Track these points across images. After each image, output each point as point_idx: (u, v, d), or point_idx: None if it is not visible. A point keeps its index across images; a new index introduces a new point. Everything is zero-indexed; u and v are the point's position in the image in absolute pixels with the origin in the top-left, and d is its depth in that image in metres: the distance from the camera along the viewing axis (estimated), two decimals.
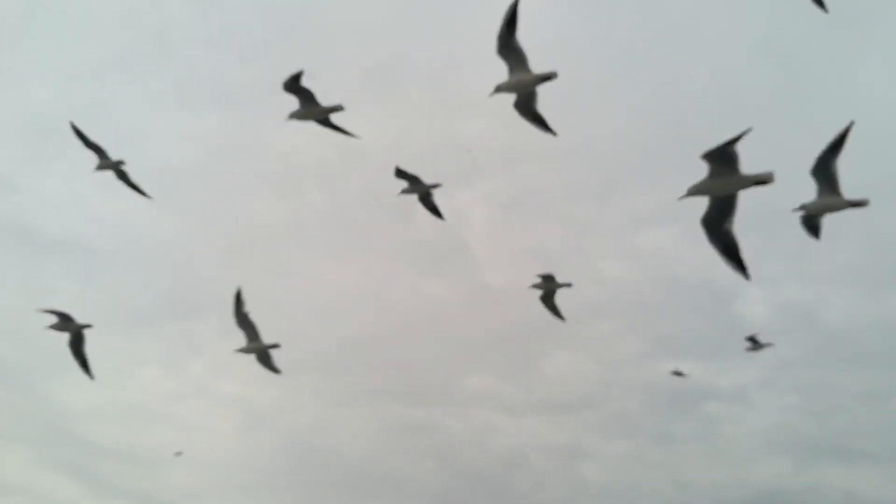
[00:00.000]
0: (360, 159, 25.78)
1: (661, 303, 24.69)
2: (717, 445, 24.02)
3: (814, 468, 23.45)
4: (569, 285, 13.34)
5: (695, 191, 7.94)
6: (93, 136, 12.57)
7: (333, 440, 25.59)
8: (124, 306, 25.65)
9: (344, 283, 26.39)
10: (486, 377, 26.48)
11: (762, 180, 8.08)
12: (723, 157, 7.86)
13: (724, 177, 7.83)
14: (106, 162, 12.88)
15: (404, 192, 12.79)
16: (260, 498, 23.75)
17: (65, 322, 13.00)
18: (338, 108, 11.34)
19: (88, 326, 13.25)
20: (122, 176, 13.18)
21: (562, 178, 26.87)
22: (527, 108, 9.61)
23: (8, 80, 25.16)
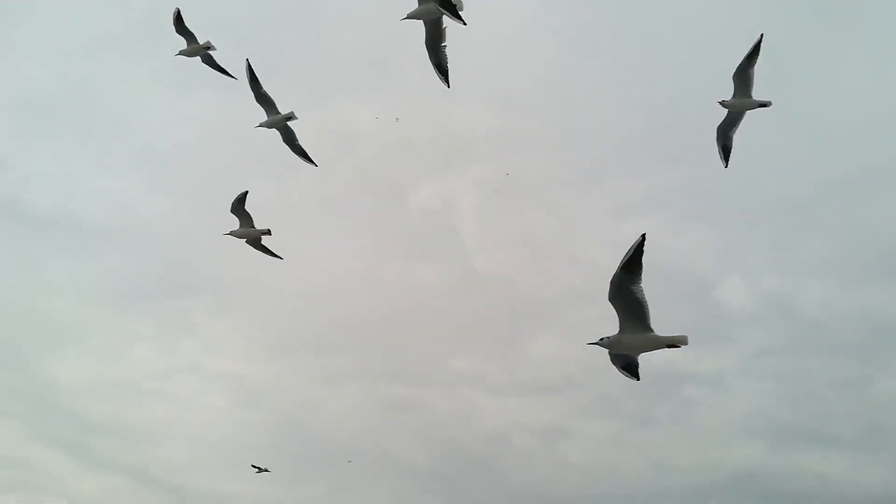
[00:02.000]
0: (354, 144, 26.09)
1: (644, 289, 25.18)
2: (695, 429, 24.61)
3: (788, 452, 24.05)
4: None
5: (608, 345, 8.32)
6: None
7: (322, 418, 26.07)
8: (117, 284, 25.97)
9: (335, 266, 26.74)
10: (471, 359, 26.97)
11: (675, 343, 8.60)
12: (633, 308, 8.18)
13: (636, 334, 8.28)
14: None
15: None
16: (250, 474, 24.16)
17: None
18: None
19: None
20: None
21: (549, 166, 27.30)
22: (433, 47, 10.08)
23: (1, 58, 25.24)
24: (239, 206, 12.68)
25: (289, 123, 12.40)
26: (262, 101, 12.21)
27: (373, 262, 27.63)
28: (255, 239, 13.06)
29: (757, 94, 11.38)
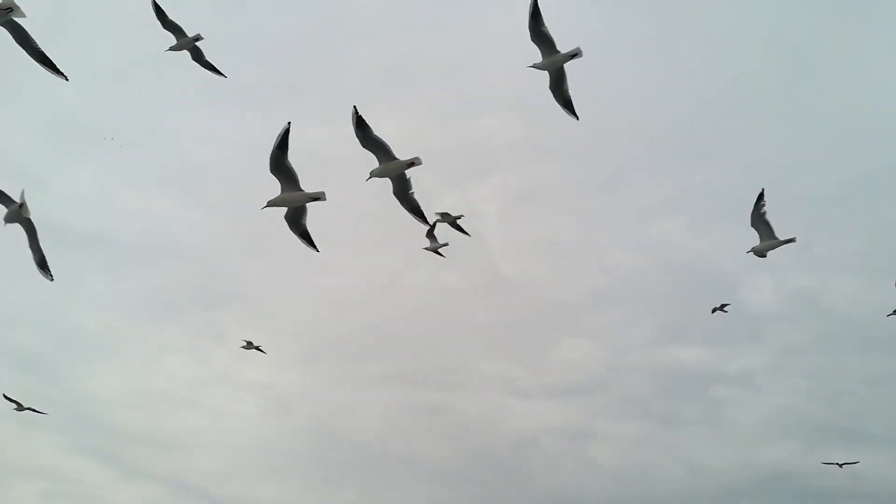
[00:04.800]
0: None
1: (669, 290, 25.23)
2: (724, 428, 24.53)
3: (821, 450, 23.84)
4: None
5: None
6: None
7: (352, 423, 26.41)
8: (151, 298, 26.56)
9: (363, 274, 27.10)
10: (499, 362, 27.15)
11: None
12: None
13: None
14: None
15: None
16: (282, 479, 24.59)
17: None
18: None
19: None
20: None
21: (572, 172, 27.48)
22: None
23: (36, 80, 25.98)
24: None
25: (197, 44, 12.55)
26: (169, 29, 12.24)
27: (399, 269, 27.98)
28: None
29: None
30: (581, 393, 26.38)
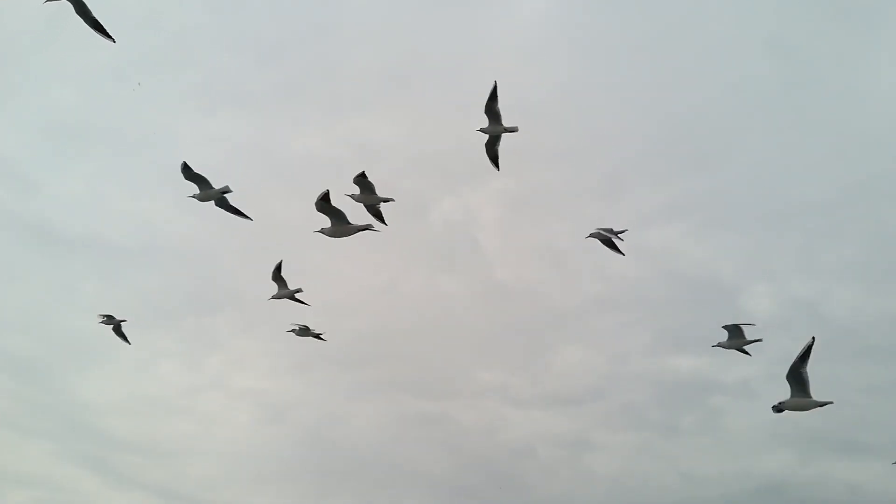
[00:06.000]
0: (375, 159, 26.32)
1: (667, 298, 25.07)
2: (722, 438, 24.31)
3: (819, 461, 23.68)
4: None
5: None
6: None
7: (347, 432, 26.11)
8: (144, 303, 26.23)
9: (358, 280, 26.90)
10: (495, 371, 26.93)
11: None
12: None
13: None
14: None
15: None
16: (276, 488, 24.32)
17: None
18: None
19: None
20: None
21: (571, 177, 27.33)
22: None
23: (32, 82, 25.82)
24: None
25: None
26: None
27: (396, 275, 27.79)
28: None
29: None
30: (578, 402, 26.18)
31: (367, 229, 11.91)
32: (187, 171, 12.29)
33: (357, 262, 26.27)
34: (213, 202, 12.61)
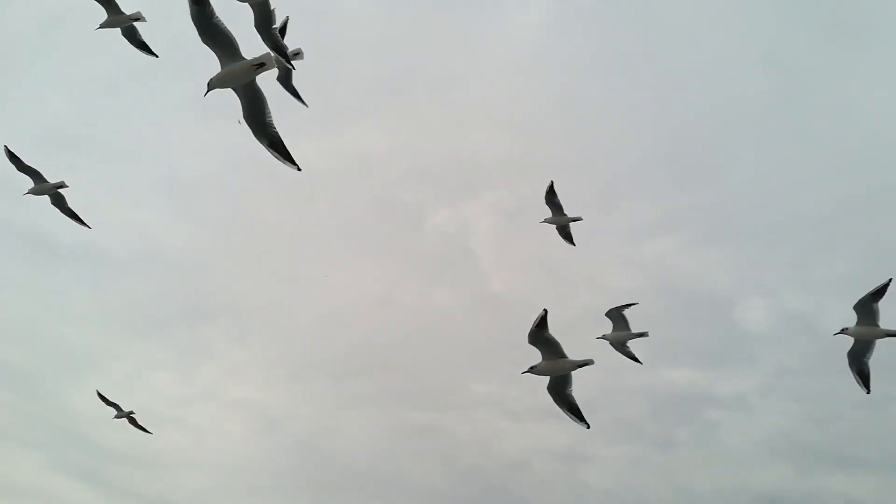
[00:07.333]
0: (369, 170, 26.32)
1: (662, 311, 25.03)
2: (717, 451, 24.25)
3: (814, 474, 23.62)
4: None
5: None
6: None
7: (341, 443, 25.99)
8: (137, 312, 26.19)
9: (352, 291, 26.84)
10: (490, 383, 26.80)
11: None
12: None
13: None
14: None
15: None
16: (269, 500, 24.13)
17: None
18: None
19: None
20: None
21: (565, 189, 27.31)
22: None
23: (26, 91, 25.80)
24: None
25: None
26: None
27: (390, 286, 27.75)
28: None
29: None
30: None
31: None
32: (18, 164, 12.26)
33: (352, 273, 26.25)
34: (48, 199, 12.75)
